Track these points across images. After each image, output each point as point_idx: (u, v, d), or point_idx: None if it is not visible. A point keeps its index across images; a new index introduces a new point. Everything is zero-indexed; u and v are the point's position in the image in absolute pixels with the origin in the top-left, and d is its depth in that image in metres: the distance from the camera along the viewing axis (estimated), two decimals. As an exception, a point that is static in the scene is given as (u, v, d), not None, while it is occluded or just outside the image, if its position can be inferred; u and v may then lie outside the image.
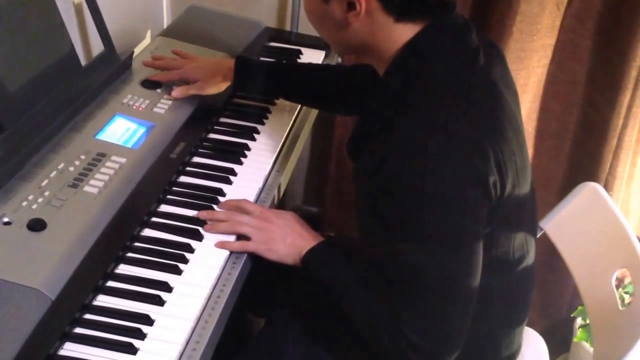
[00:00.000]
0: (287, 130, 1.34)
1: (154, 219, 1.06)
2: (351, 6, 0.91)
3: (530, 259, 1.04)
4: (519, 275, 1.02)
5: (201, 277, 0.97)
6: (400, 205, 0.88)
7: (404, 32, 0.92)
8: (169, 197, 1.11)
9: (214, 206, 1.09)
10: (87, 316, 0.88)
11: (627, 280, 1.55)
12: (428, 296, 0.88)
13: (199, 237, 1.04)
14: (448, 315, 0.89)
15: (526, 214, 1.01)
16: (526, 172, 0.98)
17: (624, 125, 1.54)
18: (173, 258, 0.99)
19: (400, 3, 0.90)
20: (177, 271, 0.97)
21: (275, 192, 1.19)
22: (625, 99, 1.52)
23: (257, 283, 1.03)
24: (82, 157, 1.08)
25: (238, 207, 1.07)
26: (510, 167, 0.90)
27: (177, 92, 1.24)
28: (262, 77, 1.27)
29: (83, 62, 1.28)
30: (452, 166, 0.85)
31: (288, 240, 1.03)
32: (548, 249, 1.30)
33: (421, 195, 0.85)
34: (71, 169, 1.05)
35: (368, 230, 0.97)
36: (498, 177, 0.88)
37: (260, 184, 1.19)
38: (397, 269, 0.89)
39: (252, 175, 1.19)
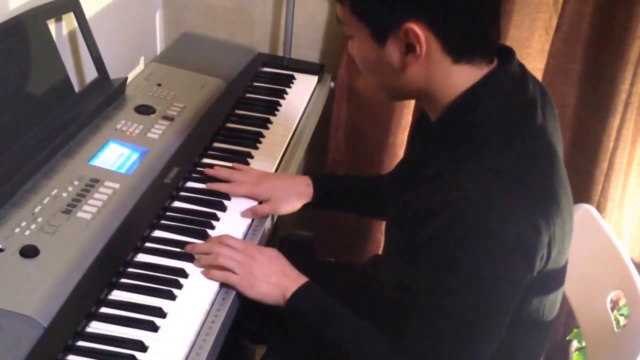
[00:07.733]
0: (281, 155, 1.34)
1: (148, 244, 1.05)
2: (409, 48, 0.85)
3: (556, 311, 1.00)
4: (544, 328, 0.99)
5: (195, 302, 0.96)
6: (439, 268, 0.84)
7: (462, 76, 0.87)
8: (162, 222, 1.10)
9: (198, 242, 1.07)
10: (80, 343, 0.87)
11: (621, 302, 1.55)
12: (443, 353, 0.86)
13: (192, 262, 1.03)
14: None
15: (561, 277, 0.97)
16: (570, 238, 0.94)
17: (615, 147, 1.56)
18: (167, 283, 0.98)
19: (461, 40, 0.85)
20: (171, 296, 0.96)
21: (269, 217, 1.19)
22: (615, 122, 1.53)
23: (254, 309, 1.01)
24: (76, 182, 1.08)
25: (221, 242, 1.04)
26: (559, 238, 0.87)
27: (248, 213, 1.16)
28: (342, 192, 1.25)
29: (77, 88, 1.28)
30: (503, 242, 0.81)
31: (272, 279, 1.00)
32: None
33: (462, 265, 0.82)
34: (64, 194, 1.05)
35: (396, 275, 0.94)
36: (546, 251, 0.85)
37: (254, 209, 1.18)
38: (419, 324, 0.87)
39: (245, 201, 1.18)
